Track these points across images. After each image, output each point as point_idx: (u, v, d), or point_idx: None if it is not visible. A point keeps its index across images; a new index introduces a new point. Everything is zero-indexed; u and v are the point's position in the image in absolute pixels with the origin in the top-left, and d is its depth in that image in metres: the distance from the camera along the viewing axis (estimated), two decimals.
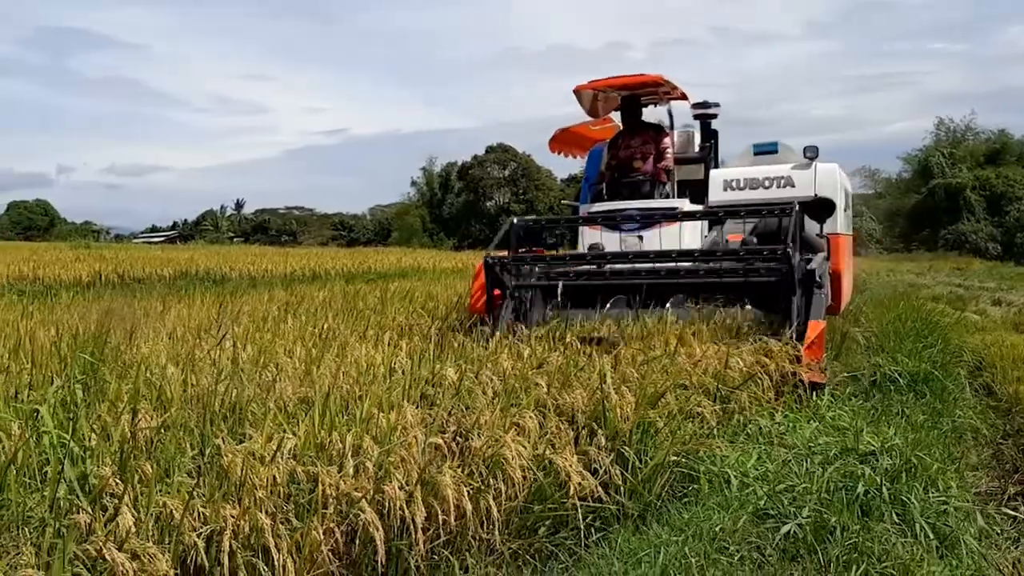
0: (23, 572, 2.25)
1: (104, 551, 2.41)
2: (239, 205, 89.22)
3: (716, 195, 8.80)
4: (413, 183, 74.27)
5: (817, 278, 6.48)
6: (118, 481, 2.83)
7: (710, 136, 9.48)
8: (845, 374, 6.67)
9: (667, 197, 8.59)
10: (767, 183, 8.60)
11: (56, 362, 4.72)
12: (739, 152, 9.79)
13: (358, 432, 3.48)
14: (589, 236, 8.40)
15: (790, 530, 3.48)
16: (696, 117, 9.46)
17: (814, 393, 5.68)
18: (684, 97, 8.98)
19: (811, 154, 8.60)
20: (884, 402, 5.91)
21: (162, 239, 77.77)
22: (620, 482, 3.79)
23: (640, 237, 7.93)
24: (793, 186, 8.48)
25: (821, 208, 8.02)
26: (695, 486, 4.15)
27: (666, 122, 9.28)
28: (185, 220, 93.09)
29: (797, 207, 6.68)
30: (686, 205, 8.33)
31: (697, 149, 9.57)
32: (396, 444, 3.35)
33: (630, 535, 3.56)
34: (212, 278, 23.07)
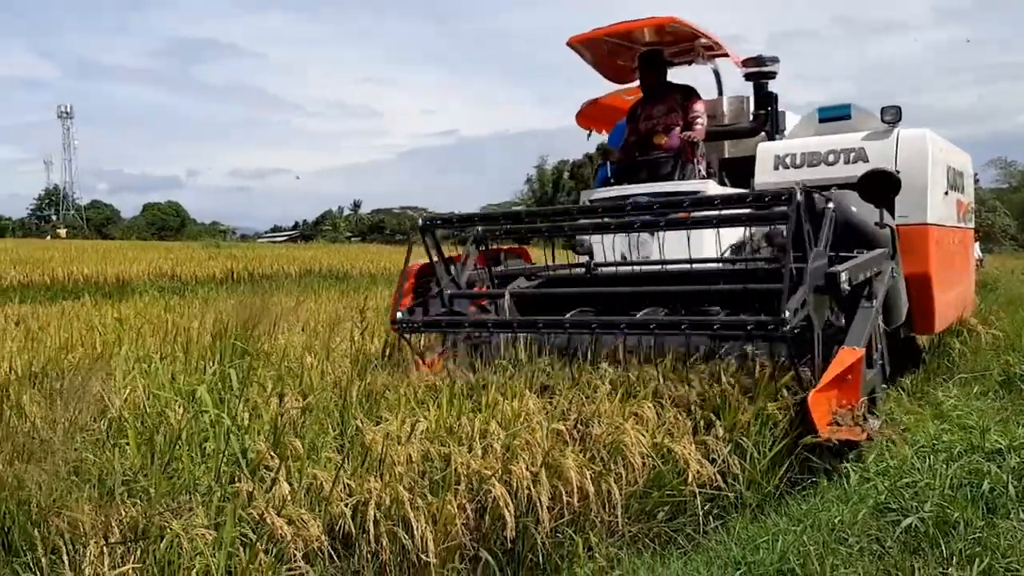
0: (198, 530, 2.54)
1: (265, 515, 2.68)
2: (356, 206, 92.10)
3: (764, 176, 6.75)
4: (528, 180, 74.80)
5: (848, 284, 4.57)
6: (272, 455, 3.12)
7: (766, 101, 7.39)
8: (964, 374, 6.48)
9: (695, 178, 6.82)
10: (831, 158, 6.51)
11: (205, 350, 5.12)
12: (802, 119, 7.46)
13: (484, 417, 3.69)
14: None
15: (911, 524, 3.49)
16: (748, 78, 7.44)
17: (846, 454, 4.32)
18: (718, 48, 7.32)
19: (890, 117, 6.40)
20: (1014, 401, 5.74)
21: (284, 238, 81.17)
22: (739, 471, 3.87)
23: (653, 234, 6.06)
24: (866, 160, 6.32)
25: (878, 185, 5.61)
26: (813, 479, 4.19)
27: (712, 88, 7.78)
28: (305, 220, 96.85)
29: (800, 194, 4.40)
30: (711, 189, 6.39)
31: (751, 118, 7.61)
32: (520, 428, 3.53)
33: (748, 523, 3.64)
34: (335, 275, 24.07)
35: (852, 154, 6.44)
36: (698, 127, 6.96)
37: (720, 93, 7.85)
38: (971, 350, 7.39)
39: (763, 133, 7.37)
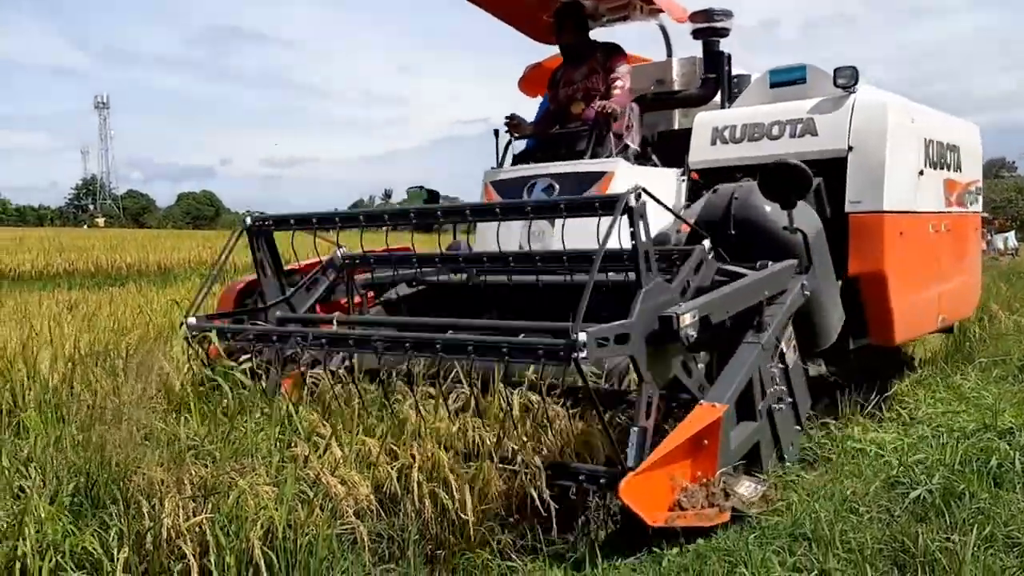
0: (262, 488, 2.84)
1: (320, 475, 2.98)
2: (387, 194, 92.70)
3: (700, 152, 5.69)
4: None
5: (695, 330, 3.43)
6: (325, 423, 3.43)
7: (716, 63, 6.21)
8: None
9: (612, 155, 5.62)
10: (775, 131, 5.41)
11: None
12: (753, 83, 6.13)
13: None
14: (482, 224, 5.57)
15: (919, 495, 3.70)
16: (696, 35, 6.23)
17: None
18: (651, 3, 6.11)
19: (844, 80, 5.21)
20: None
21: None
22: None
23: (550, 220, 4.95)
24: (815, 133, 5.26)
25: (780, 181, 4.27)
26: (830, 456, 4.39)
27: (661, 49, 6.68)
28: (337, 208, 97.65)
29: (635, 199, 3.44)
30: (619, 170, 5.28)
31: (686, 83, 6.48)
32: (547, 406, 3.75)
33: None
34: None
35: (799, 126, 5.35)
36: (616, 92, 5.79)
37: (669, 54, 6.71)
38: (992, 336, 7.53)
39: (716, 101, 6.23)
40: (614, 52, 6.08)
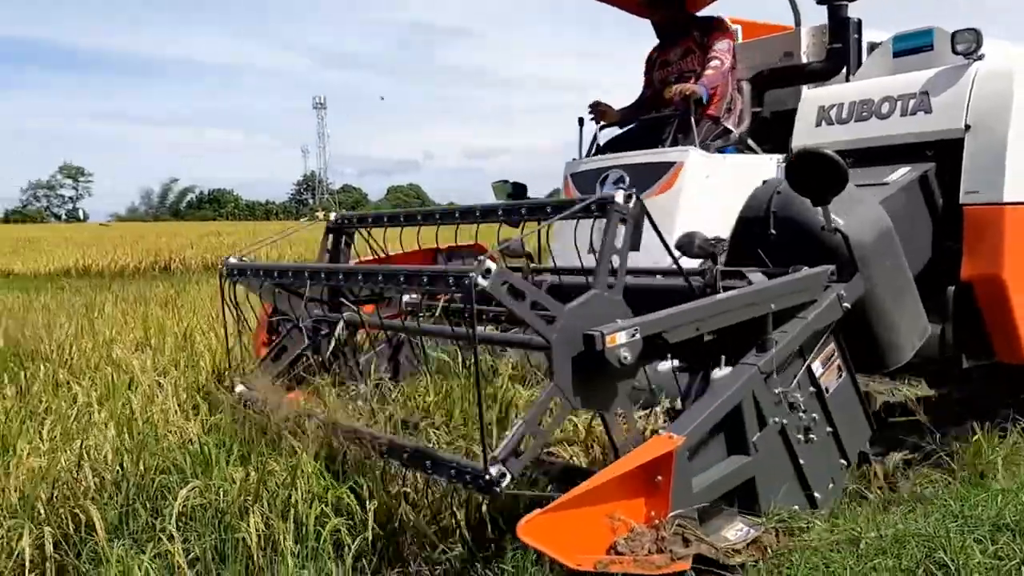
0: None
1: None
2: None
3: (803, 135, 5.02)
4: None
5: (631, 356, 2.80)
6: None
7: (843, 32, 5.37)
8: None
9: (710, 141, 5.01)
10: (885, 108, 4.63)
11: None
12: (874, 52, 5.33)
13: None
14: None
15: None
16: (820, 1, 5.40)
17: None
18: None
19: (964, 46, 4.39)
20: None
21: None
22: None
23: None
24: (928, 111, 4.47)
25: (808, 175, 3.49)
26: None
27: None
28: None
29: (628, 202, 2.97)
30: (691, 157, 4.66)
31: (815, 55, 5.61)
32: None
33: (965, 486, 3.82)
34: None
35: (912, 101, 4.53)
36: (709, 72, 5.13)
37: (797, 23, 5.88)
38: None
39: (843, 75, 5.40)
40: (713, 27, 5.38)
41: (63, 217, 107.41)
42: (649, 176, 4.74)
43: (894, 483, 3.95)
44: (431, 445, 3.29)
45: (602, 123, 5.64)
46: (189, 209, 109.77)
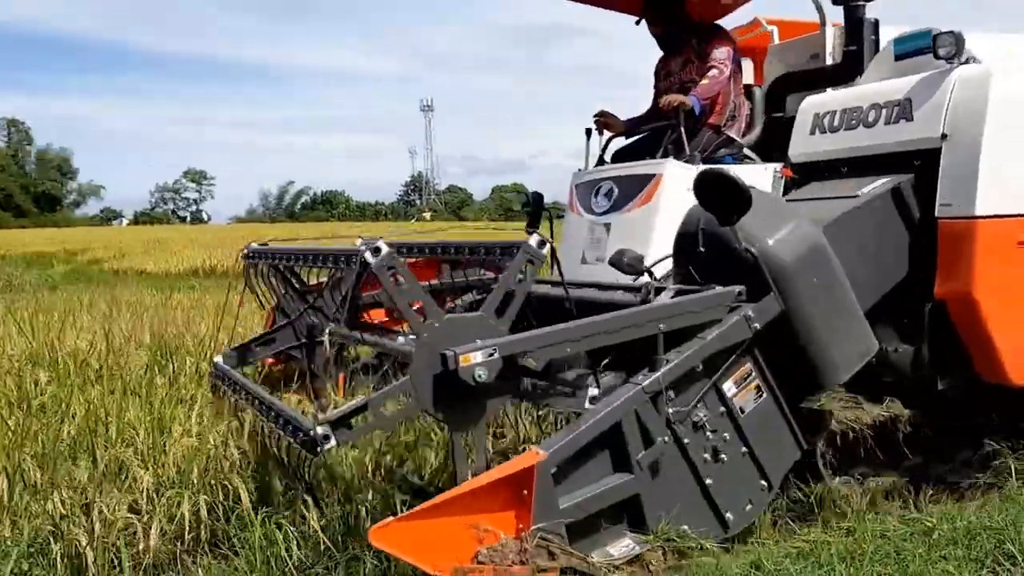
0: None
1: None
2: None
3: (799, 144, 4.72)
4: None
5: (488, 373, 2.78)
6: None
7: (858, 34, 5.09)
8: None
9: (711, 152, 5.04)
10: (872, 116, 4.39)
11: None
12: (877, 56, 5.01)
13: None
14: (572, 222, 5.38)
15: None
16: (836, 1, 5.13)
17: None
18: None
19: (945, 50, 4.10)
20: None
21: None
22: None
23: (607, 226, 4.85)
24: (909, 119, 4.19)
25: (714, 192, 3.34)
26: None
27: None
28: None
29: (542, 248, 3.06)
30: (668, 169, 4.72)
31: (839, 56, 5.29)
32: None
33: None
34: None
35: (895, 109, 4.25)
36: (705, 82, 5.05)
37: (822, 24, 5.47)
38: None
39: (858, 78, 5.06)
40: (711, 35, 5.29)
41: (187, 219, 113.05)
42: (632, 188, 4.85)
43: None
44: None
45: (609, 134, 5.67)
46: (303, 210, 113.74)
